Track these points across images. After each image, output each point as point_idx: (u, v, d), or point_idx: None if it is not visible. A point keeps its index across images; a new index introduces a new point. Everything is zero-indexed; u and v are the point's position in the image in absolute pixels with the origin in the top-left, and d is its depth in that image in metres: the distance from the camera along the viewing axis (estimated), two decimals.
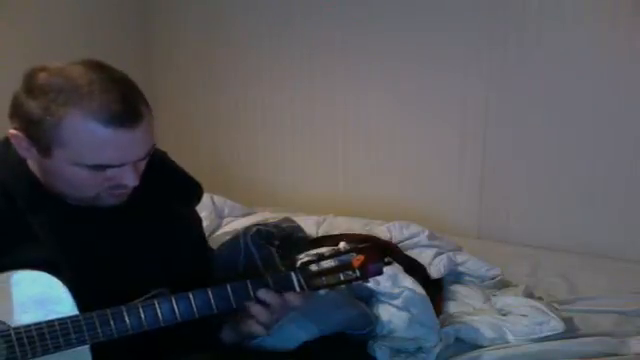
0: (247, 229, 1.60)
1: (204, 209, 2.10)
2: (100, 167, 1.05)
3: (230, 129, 2.85)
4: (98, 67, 1.06)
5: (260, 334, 1.18)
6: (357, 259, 1.16)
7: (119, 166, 1.06)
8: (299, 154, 2.74)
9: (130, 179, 1.08)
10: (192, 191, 1.34)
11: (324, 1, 2.52)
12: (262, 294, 1.13)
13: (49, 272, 1.04)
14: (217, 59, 2.77)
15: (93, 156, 1.04)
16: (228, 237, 1.65)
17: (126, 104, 1.03)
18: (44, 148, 1.05)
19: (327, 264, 1.17)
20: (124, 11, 2.75)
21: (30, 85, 1.04)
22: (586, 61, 2.15)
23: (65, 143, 1.03)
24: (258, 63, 2.69)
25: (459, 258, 1.87)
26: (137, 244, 1.17)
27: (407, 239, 1.95)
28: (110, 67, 1.07)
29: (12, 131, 1.07)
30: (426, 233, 1.95)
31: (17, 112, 1.05)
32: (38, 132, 1.03)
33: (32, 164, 1.11)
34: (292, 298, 1.15)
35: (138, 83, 1.09)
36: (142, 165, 1.12)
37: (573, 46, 2.15)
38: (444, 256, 1.84)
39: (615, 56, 2.11)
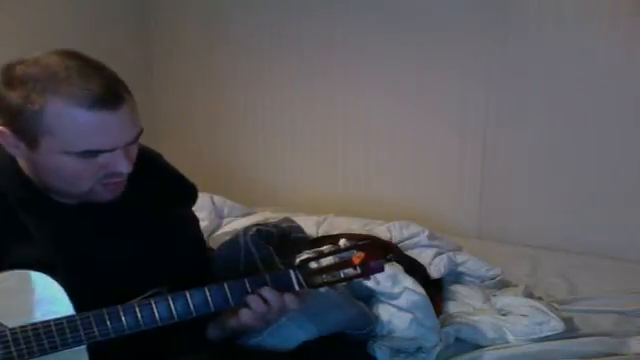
0: (247, 229, 1.60)
1: (204, 209, 2.10)
2: (90, 153, 1.04)
3: (230, 129, 2.84)
4: (74, 55, 1.06)
5: (249, 324, 1.16)
6: (358, 256, 1.14)
7: (110, 151, 1.05)
8: (299, 154, 2.74)
9: (124, 165, 1.07)
10: (187, 193, 1.33)
11: (324, 1, 2.51)
12: (265, 292, 1.12)
13: (44, 272, 1.03)
14: (217, 59, 2.77)
15: (81, 142, 1.03)
16: (228, 237, 1.65)
17: (105, 87, 1.03)
18: (30, 140, 1.04)
19: (327, 261, 1.16)
20: (124, 11, 2.74)
21: (8, 78, 1.04)
22: (586, 61, 2.15)
23: (50, 131, 1.02)
24: (258, 63, 2.69)
25: (459, 258, 1.86)
26: (132, 244, 1.17)
27: (407, 239, 1.94)
28: (86, 56, 1.08)
29: None
30: (426, 233, 1.94)
31: None
32: (22, 123, 1.03)
33: (23, 163, 1.11)
34: (289, 301, 1.14)
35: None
36: (134, 151, 1.11)
37: (573, 46, 2.15)
38: (444, 256, 1.83)
39: (615, 56, 2.11)
